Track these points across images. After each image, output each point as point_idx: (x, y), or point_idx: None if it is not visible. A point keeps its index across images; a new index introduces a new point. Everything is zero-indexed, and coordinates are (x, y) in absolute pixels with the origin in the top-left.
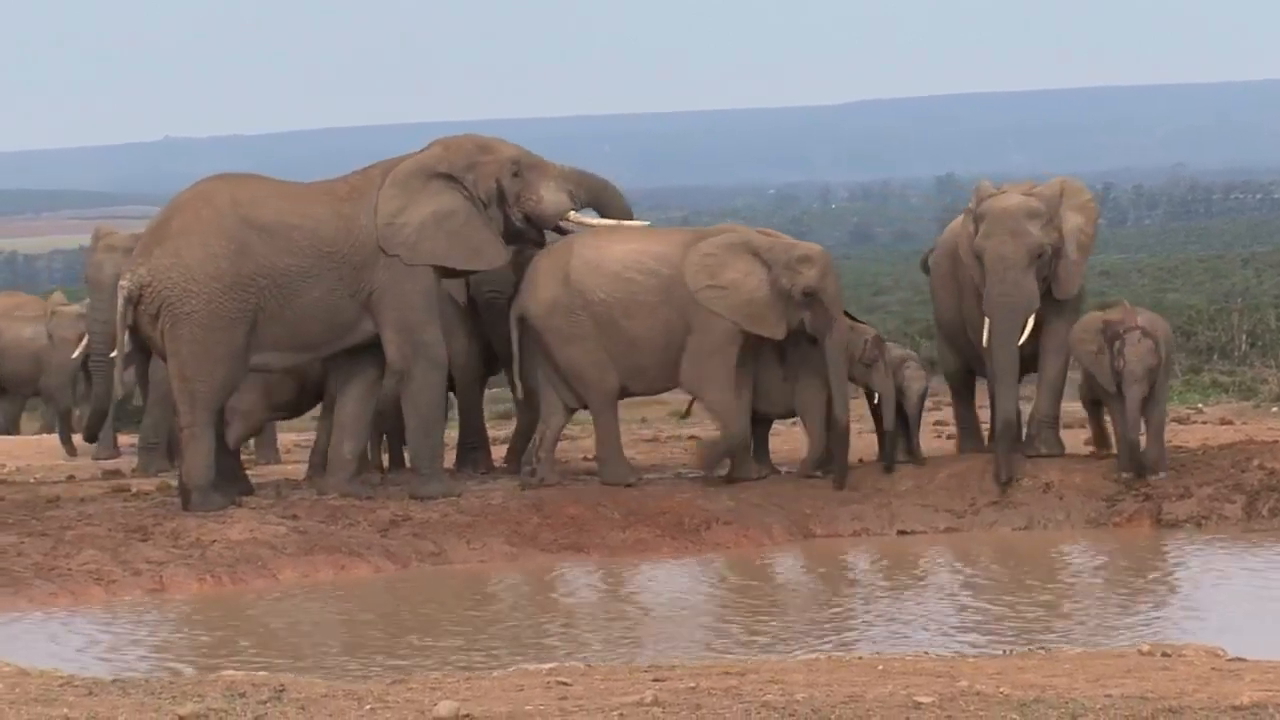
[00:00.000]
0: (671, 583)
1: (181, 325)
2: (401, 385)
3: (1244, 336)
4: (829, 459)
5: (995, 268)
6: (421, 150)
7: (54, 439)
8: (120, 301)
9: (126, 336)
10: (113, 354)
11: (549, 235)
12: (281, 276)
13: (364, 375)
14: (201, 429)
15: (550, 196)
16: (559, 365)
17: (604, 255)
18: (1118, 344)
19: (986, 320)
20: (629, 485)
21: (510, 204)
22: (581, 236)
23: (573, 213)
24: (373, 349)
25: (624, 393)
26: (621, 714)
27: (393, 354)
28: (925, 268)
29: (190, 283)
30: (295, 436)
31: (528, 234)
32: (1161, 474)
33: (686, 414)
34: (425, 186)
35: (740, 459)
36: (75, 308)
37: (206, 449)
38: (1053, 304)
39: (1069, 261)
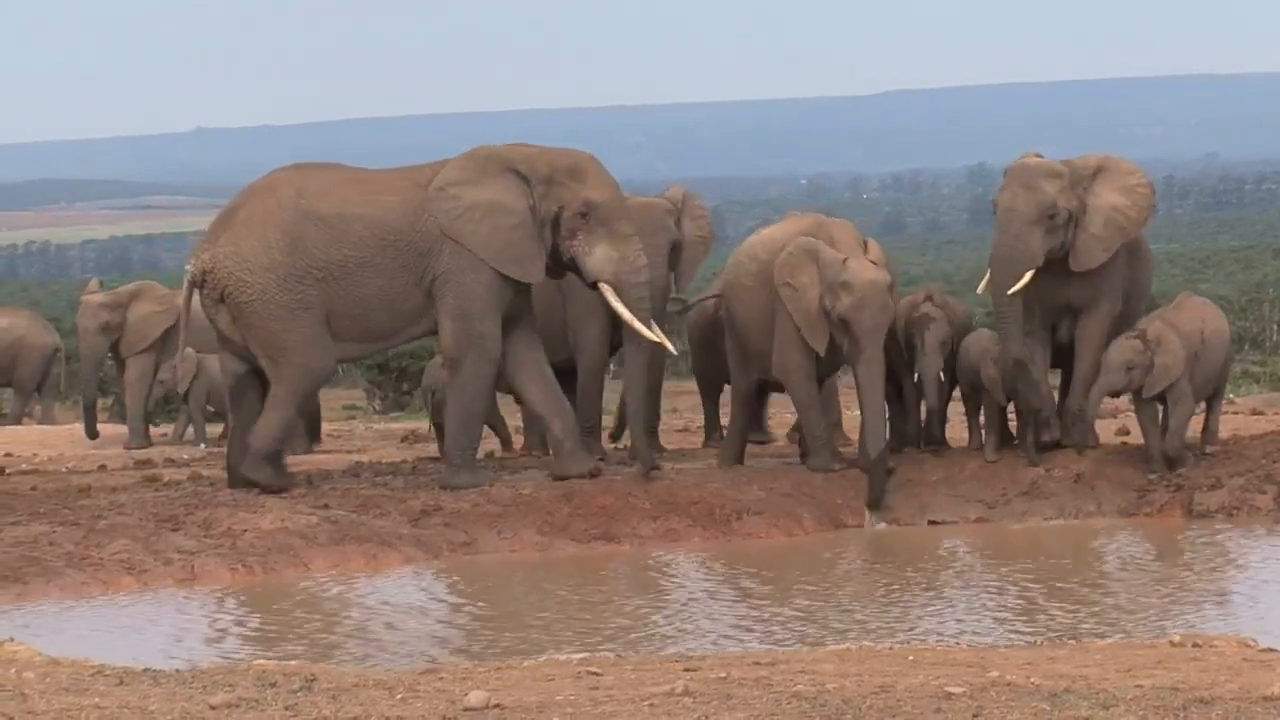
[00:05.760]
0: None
1: (243, 313)
2: (450, 373)
3: (1275, 327)
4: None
5: (1002, 219)
6: (526, 144)
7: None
8: (185, 284)
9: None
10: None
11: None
12: (338, 269)
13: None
14: (284, 400)
15: (599, 258)
16: None
17: (748, 241)
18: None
19: (988, 270)
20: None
21: (562, 237)
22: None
23: (605, 285)
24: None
25: (766, 384)
26: (652, 704)
27: (446, 341)
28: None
29: (245, 273)
30: (325, 426)
31: (569, 272)
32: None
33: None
34: (498, 175)
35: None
36: (99, 297)
37: (280, 420)
38: (1089, 293)
39: (1088, 234)
